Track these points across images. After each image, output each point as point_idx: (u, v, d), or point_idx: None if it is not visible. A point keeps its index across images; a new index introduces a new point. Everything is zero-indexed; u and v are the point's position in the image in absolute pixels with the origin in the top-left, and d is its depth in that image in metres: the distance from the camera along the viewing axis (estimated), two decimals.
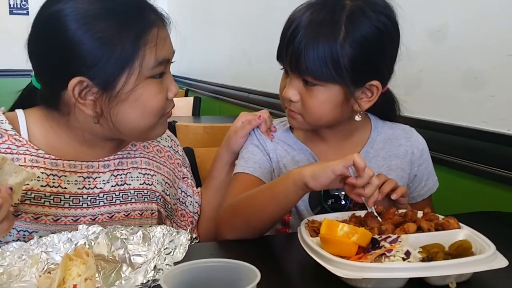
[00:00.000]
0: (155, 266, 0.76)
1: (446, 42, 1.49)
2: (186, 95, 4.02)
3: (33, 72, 1.00)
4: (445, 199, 1.22)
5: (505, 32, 1.30)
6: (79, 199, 1.00)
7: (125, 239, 0.84)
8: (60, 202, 0.98)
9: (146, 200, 1.08)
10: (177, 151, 1.21)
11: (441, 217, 0.89)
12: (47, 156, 0.98)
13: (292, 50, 0.98)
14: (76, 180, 1.00)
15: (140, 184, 1.08)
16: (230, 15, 3.60)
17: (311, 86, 1.00)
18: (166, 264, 0.77)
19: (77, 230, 0.85)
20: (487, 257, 0.73)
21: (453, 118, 1.48)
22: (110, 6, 0.92)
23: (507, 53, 1.29)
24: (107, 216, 1.03)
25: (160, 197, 1.11)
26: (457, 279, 0.75)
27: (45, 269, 0.79)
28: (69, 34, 0.89)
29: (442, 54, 1.51)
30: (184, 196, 1.20)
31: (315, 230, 0.86)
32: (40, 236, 0.84)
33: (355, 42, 0.96)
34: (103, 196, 1.03)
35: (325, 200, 1.09)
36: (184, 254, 0.82)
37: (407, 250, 0.76)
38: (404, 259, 0.74)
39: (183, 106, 3.15)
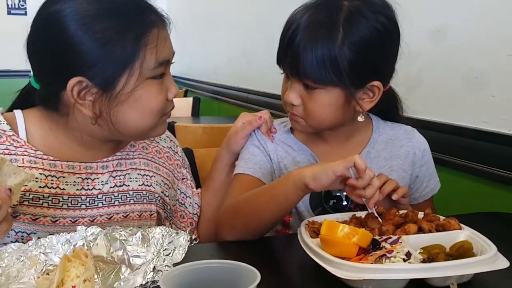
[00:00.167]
0: (154, 267, 0.76)
1: (447, 42, 1.49)
2: (185, 96, 4.02)
3: (31, 73, 0.99)
4: (445, 199, 1.22)
5: (506, 32, 1.30)
6: (77, 200, 1.00)
7: (124, 240, 0.84)
8: (58, 203, 0.97)
9: (145, 201, 1.08)
10: (176, 152, 1.20)
11: (442, 218, 0.88)
12: (45, 157, 0.98)
13: (291, 54, 0.98)
14: (74, 181, 1.00)
15: (139, 185, 1.08)
16: (229, 16, 3.60)
17: (311, 90, 1.00)
18: (165, 265, 0.77)
19: (75, 231, 0.85)
20: (488, 258, 0.73)
21: (454, 118, 1.48)
22: (110, 7, 0.92)
23: (508, 53, 1.29)
24: (106, 217, 1.03)
25: (159, 198, 1.11)
26: (458, 280, 0.75)
27: (43, 270, 0.79)
28: (68, 34, 0.89)
29: (443, 54, 1.51)
30: (183, 197, 1.20)
31: (315, 231, 0.86)
32: (39, 237, 0.83)
33: (353, 44, 0.95)
34: (102, 197, 1.03)
35: (326, 201, 1.09)
36: (184, 255, 0.81)
37: (408, 251, 0.75)
38: (404, 260, 0.74)
39: (182, 106, 3.15)
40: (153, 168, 1.12)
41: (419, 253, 0.76)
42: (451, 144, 1.47)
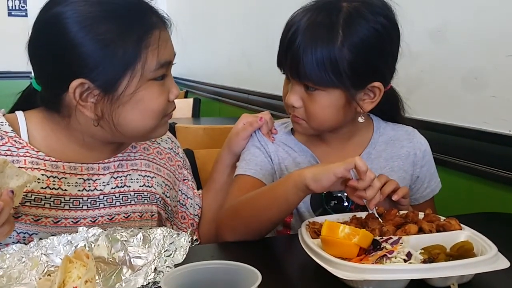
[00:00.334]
0: (155, 268, 0.76)
1: (447, 43, 1.49)
2: (186, 97, 4.02)
3: (32, 74, 1.00)
4: (446, 200, 1.22)
5: (506, 32, 1.30)
6: (79, 201, 1.00)
7: (125, 241, 0.84)
8: (60, 204, 0.98)
9: (146, 202, 1.08)
10: (177, 153, 1.21)
11: (442, 218, 0.89)
12: (47, 158, 0.98)
13: (291, 56, 0.98)
14: (76, 182, 1.00)
15: (140, 186, 1.08)
16: (229, 17, 3.60)
17: (312, 91, 1.00)
18: (166, 266, 0.77)
19: (77, 232, 0.85)
20: (488, 258, 0.73)
21: (454, 119, 1.48)
22: (111, 9, 0.92)
23: (508, 53, 1.29)
24: (107, 218, 1.03)
25: (160, 199, 1.11)
26: (458, 280, 0.75)
27: (45, 271, 0.79)
28: (70, 36, 0.89)
29: (443, 54, 1.51)
30: (184, 198, 1.20)
31: (316, 232, 0.86)
32: (40, 238, 0.84)
33: (353, 45, 0.95)
34: (103, 198, 1.03)
35: (327, 201, 1.09)
36: (185, 256, 0.82)
37: (409, 251, 0.75)
38: (405, 261, 0.74)
39: (183, 107, 3.15)
40: (154, 169, 1.12)
41: (420, 253, 0.76)
42: (452, 145, 1.48)
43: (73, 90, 0.90)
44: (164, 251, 0.82)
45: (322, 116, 1.02)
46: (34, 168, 0.96)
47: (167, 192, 1.14)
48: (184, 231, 0.93)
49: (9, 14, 5.87)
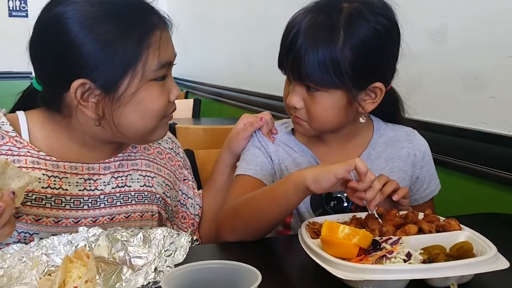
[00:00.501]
0: (155, 268, 0.76)
1: (446, 43, 1.49)
2: (186, 97, 4.02)
3: (33, 74, 1.00)
4: (445, 200, 1.22)
5: (506, 33, 1.30)
6: (80, 200, 1.00)
7: (125, 241, 0.84)
8: (61, 203, 0.98)
9: (146, 202, 1.08)
10: (178, 153, 1.21)
11: (442, 218, 0.89)
12: (48, 158, 0.98)
13: (292, 57, 0.98)
14: (77, 182, 1.00)
15: (141, 186, 1.08)
16: (230, 17, 3.60)
17: (313, 92, 1.00)
18: (166, 266, 0.77)
19: (77, 232, 0.85)
20: (488, 258, 0.73)
21: (454, 120, 1.48)
22: (112, 9, 0.92)
23: (508, 54, 1.29)
24: (108, 218, 1.03)
25: (160, 199, 1.11)
26: (458, 280, 0.75)
27: (45, 271, 0.79)
28: (71, 36, 0.89)
29: (443, 55, 1.51)
30: (185, 198, 1.20)
31: (316, 232, 0.86)
32: (41, 238, 0.84)
33: (354, 46, 0.96)
34: (104, 198, 1.03)
35: (327, 202, 1.09)
36: (185, 256, 0.82)
37: (408, 251, 0.75)
38: (405, 261, 0.74)
39: (183, 108, 3.15)
40: (154, 169, 1.12)
41: (420, 253, 0.76)
42: (451, 145, 1.48)
43: (74, 90, 0.91)
44: (165, 251, 0.82)
45: (323, 117, 1.02)
46: (35, 168, 0.96)
47: (168, 192, 1.14)
48: (184, 231, 0.93)
49: (10, 15, 5.87)
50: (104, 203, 1.03)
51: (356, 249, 0.78)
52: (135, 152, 1.11)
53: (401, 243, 0.79)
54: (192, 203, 1.20)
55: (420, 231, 0.84)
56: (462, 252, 0.77)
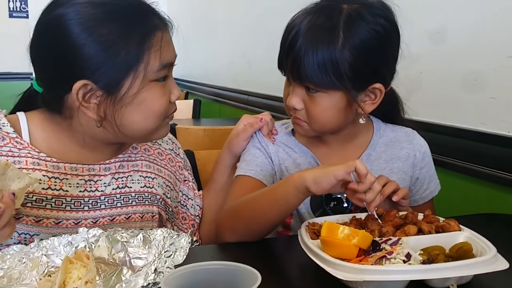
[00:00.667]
0: (155, 269, 0.76)
1: (446, 44, 1.49)
2: (186, 98, 4.02)
3: (33, 76, 1.00)
4: (445, 201, 1.22)
5: (505, 34, 1.30)
6: (80, 202, 1.00)
7: (125, 242, 0.84)
8: (61, 205, 0.98)
9: (146, 203, 1.08)
10: (178, 154, 1.21)
11: (441, 219, 0.89)
12: (48, 159, 0.98)
13: (292, 58, 0.99)
14: (77, 183, 1.00)
15: (141, 187, 1.09)
16: (230, 18, 3.60)
17: (313, 93, 1.00)
18: (166, 267, 0.77)
19: (77, 233, 0.85)
20: (487, 259, 0.73)
21: (453, 120, 1.48)
22: (113, 10, 0.92)
23: (507, 55, 1.30)
24: (108, 219, 1.03)
25: (161, 200, 1.11)
26: (457, 281, 0.75)
27: (45, 272, 0.79)
28: (72, 38, 0.89)
29: (442, 56, 1.52)
30: (185, 199, 1.20)
31: (315, 233, 0.86)
32: (41, 239, 0.84)
33: (354, 47, 0.96)
34: (104, 199, 1.03)
35: (327, 203, 1.09)
36: (185, 257, 0.82)
37: (408, 252, 0.75)
38: (404, 262, 0.74)
39: (183, 108, 3.15)
40: (155, 170, 1.12)
41: (419, 254, 0.76)
42: (451, 146, 1.48)
43: (76, 91, 0.91)
44: (164, 252, 0.82)
45: (323, 118, 1.03)
46: (36, 169, 0.96)
47: (168, 193, 1.14)
48: (184, 232, 0.93)
49: (10, 16, 5.88)
50: (105, 204, 1.03)
51: (356, 249, 0.78)
52: (136, 153, 1.11)
53: (401, 244, 0.79)
54: (192, 204, 1.20)
55: (420, 231, 0.84)
56: (462, 252, 0.77)
